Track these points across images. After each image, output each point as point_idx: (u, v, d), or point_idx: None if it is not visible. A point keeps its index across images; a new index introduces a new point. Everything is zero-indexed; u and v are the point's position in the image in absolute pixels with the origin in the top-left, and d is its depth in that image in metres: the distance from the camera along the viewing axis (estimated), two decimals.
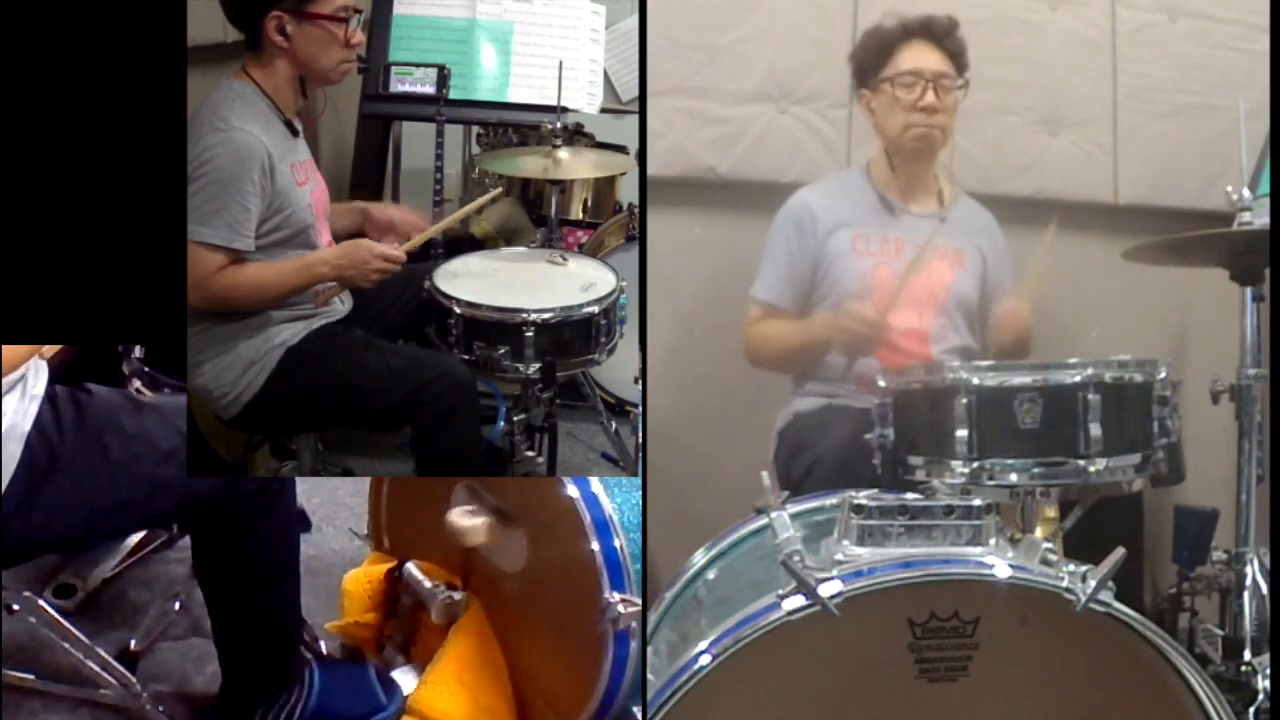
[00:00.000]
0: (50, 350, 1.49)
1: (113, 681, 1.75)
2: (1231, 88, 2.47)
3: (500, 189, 2.41)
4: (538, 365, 1.90)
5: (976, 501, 1.30)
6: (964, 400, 1.55)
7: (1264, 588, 1.90)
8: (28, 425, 1.41)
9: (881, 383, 1.71)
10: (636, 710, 1.53)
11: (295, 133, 1.88)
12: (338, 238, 2.01)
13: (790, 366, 2.16)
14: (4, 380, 1.37)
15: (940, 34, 2.10)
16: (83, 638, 1.77)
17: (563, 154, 2.33)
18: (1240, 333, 1.98)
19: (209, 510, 1.57)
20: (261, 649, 1.69)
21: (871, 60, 2.13)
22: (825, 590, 1.19)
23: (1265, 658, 1.81)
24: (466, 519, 1.63)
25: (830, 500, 1.58)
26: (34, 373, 1.44)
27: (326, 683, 1.75)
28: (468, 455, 1.85)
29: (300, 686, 1.71)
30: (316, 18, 1.81)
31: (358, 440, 2.45)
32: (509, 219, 2.82)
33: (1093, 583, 1.19)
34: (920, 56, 2.08)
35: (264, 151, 1.76)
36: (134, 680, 1.76)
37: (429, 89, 2.49)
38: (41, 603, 1.80)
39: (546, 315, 1.91)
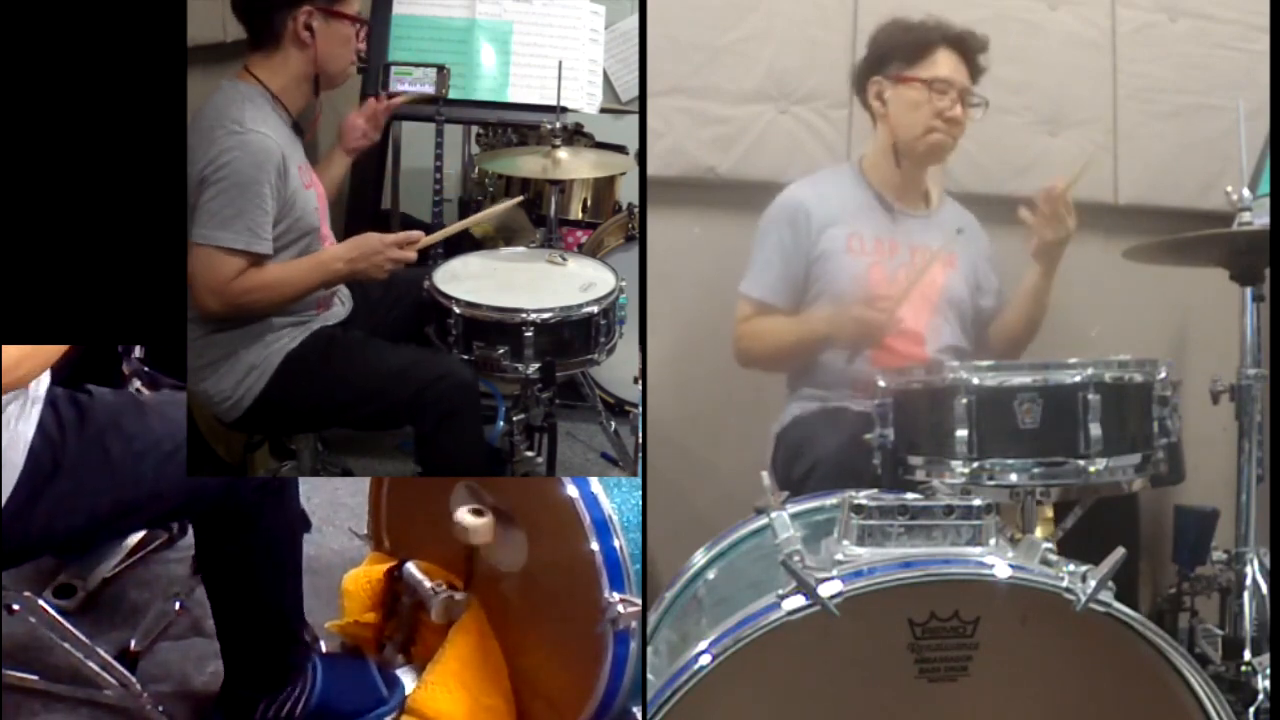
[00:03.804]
0: None
1: (113, 681, 1.75)
2: (1231, 88, 2.47)
3: (521, 196, 2.41)
4: (537, 365, 1.90)
5: (976, 501, 1.30)
6: (964, 400, 1.55)
7: (1264, 588, 1.90)
8: (30, 429, 1.41)
9: (881, 383, 1.71)
10: (636, 710, 1.53)
11: (300, 134, 1.89)
12: (332, 186, 2.04)
13: (783, 364, 2.15)
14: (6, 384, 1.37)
15: (974, 50, 2.10)
16: (83, 638, 1.77)
17: (562, 154, 2.34)
18: (1240, 333, 1.98)
19: (213, 505, 1.58)
20: (265, 641, 1.70)
21: (900, 52, 2.10)
22: (825, 590, 1.19)
23: (1265, 658, 1.81)
24: (472, 517, 1.63)
25: (830, 500, 1.58)
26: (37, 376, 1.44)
27: (329, 676, 1.75)
28: (470, 455, 1.85)
29: (303, 679, 1.72)
30: (341, 17, 1.83)
31: (358, 440, 2.45)
32: (509, 219, 2.82)
33: (1093, 583, 1.19)
34: (954, 67, 2.07)
35: (279, 153, 1.76)
36: (134, 680, 1.76)
37: (428, 89, 2.49)
38: (41, 603, 1.80)
39: (546, 315, 1.91)
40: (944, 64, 2.07)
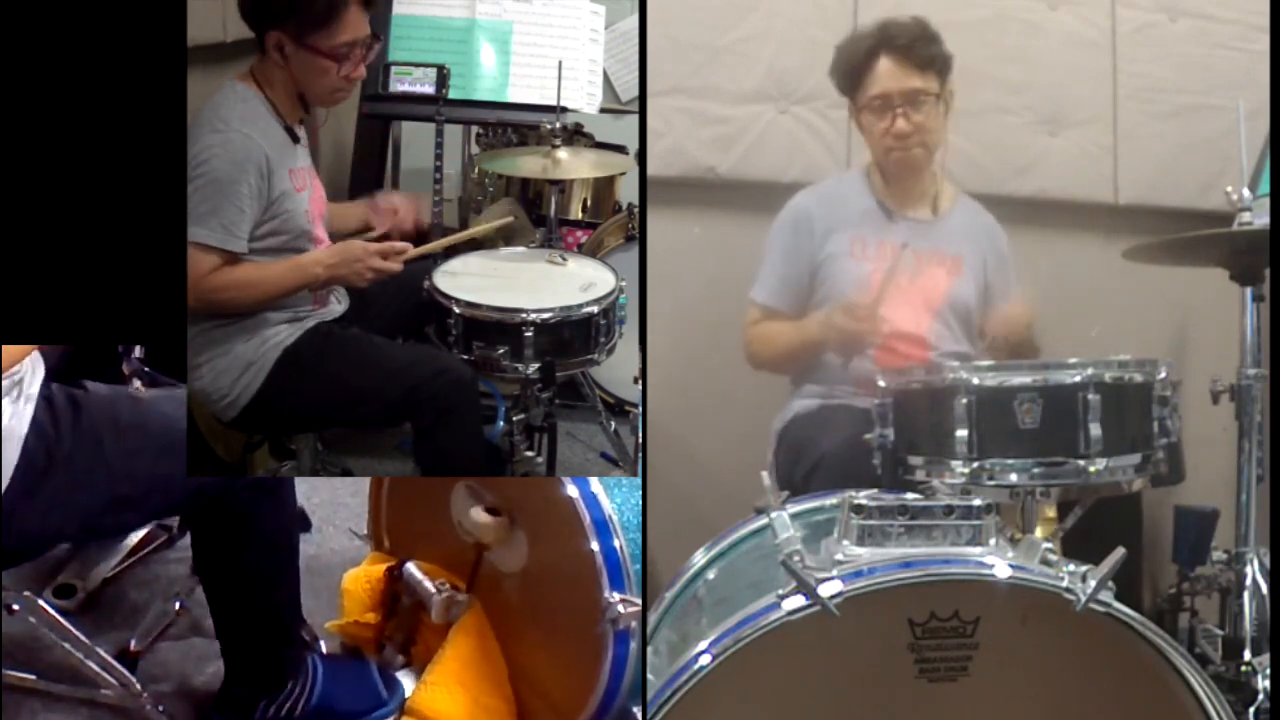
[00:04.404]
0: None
1: (113, 681, 1.74)
2: (1231, 88, 2.47)
3: (510, 218, 2.41)
4: (537, 365, 1.90)
5: (976, 501, 1.30)
6: (964, 400, 1.55)
7: (1264, 588, 1.90)
8: (25, 425, 1.40)
9: (881, 383, 1.71)
10: (636, 710, 1.53)
11: (295, 139, 1.88)
12: (344, 236, 2.01)
13: (788, 367, 2.16)
14: (2, 381, 1.37)
15: (905, 45, 2.01)
16: (83, 638, 1.77)
17: (562, 154, 2.33)
18: (1240, 333, 1.98)
19: (210, 504, 1.58)
20: (263, 641, 1.70)
21: (845, 80, 2.10)
22: (825, 590, 1.19)
23: (1265, 658, 1.81)
24: (486, 515, 1.63)
25: (830, 500, 1.58)
26: (31, 372, 1.44)
27: (329, 677, 1.75)
28: (469, 452, 1.85)
29: (303, 679, 1.72)
30: (313, 50, 1.79)
31: (358, 440, 2.45)
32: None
33: (1093, 583, 1.19)
34: (887, 77, 2.01)
35: (262, 155, 1.76)
36: (134, 680, 1.75)
37: (428, 89, 2.49)
38: (41, 603, 1.80)
39: (546, 315, 1.91)
40: (878, 77, 2.02)
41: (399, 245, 1.88)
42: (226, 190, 1.72)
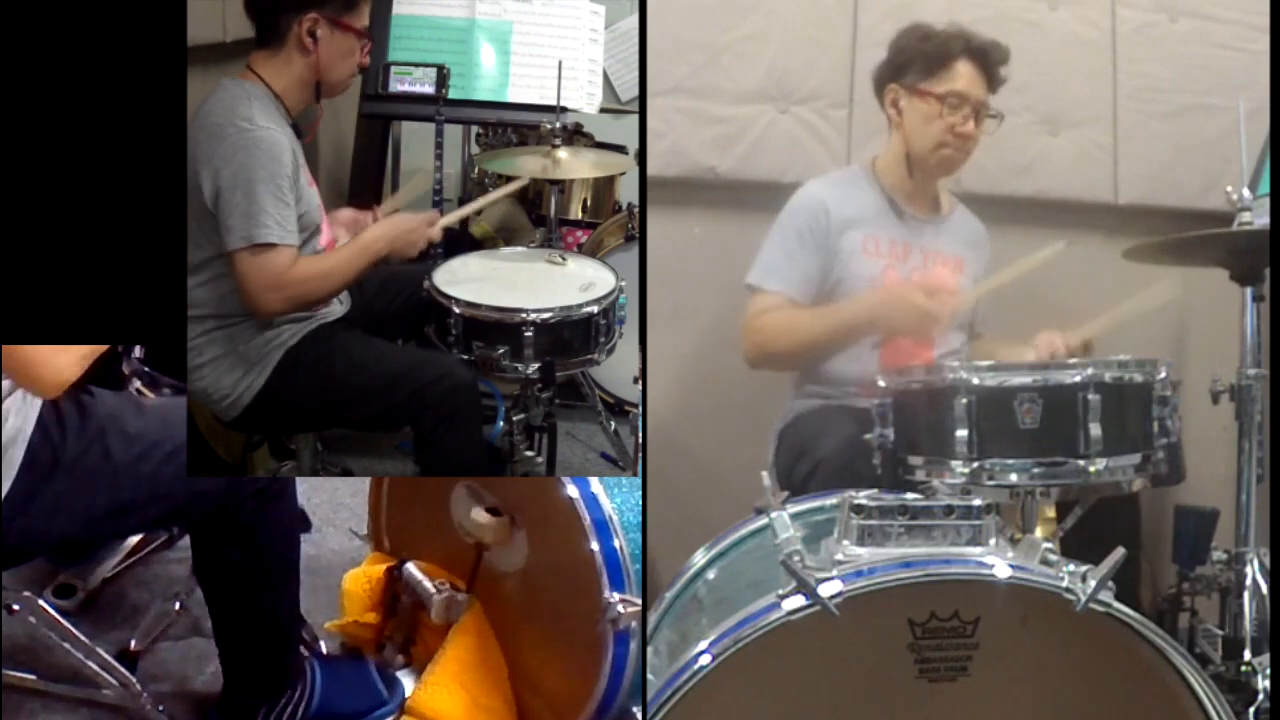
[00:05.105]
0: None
1: (113, 681, 1.75)
2: (1231, 88, 2.47)
3: (524, 179, 2.38)
4: (537, 365, 1.90)
5: (976, 501, 1.30)
6: (964, 400, 1.55)
7: (1264, 588, 1.90)
8: (30, 427, 1.40)
9: (881, 383, 1.71)
10: (636, 710, 1.53)
11: (300, 135, 1.89)
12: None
13: (803, 359, 2.10)
14: (6, 383, 1.37)
15: (995, 62, 2.06)
16: (83, 638, 1.77)
17: (562, 154, 2.34)
18: (1240, 333, 1.97)
19: (211, 509, 1.58)
20: (263, 648, 1.69)
21: (918, 62, 2.07)
22: (825, 590, 1.19)
23: (1265, 658, 1.81)
24: (487, 515, 1.64)
25: (830, 500, 1.57)
26: None
27: (328, 679, 1.75)
28: (469, 456, 1.85)
29: (303, 684, 1.72)
30: (349, 29, 1.84)
31: (358, 440, 2.45)
32: (508, 218, 2.82)
33: (1093, 583, 1.19)
34: (968, 81, 2.04)
35: (290, 148, 1.77)
36: (134, 680, 1.76)
37: (428, 89, 2.50)
38: (41, 603, 1.80)
39: (546, 315, 1.91)
40: (961, 77, 2.04)
41: (434, 214, 1.96)
42: (273, 186, 1.73)
